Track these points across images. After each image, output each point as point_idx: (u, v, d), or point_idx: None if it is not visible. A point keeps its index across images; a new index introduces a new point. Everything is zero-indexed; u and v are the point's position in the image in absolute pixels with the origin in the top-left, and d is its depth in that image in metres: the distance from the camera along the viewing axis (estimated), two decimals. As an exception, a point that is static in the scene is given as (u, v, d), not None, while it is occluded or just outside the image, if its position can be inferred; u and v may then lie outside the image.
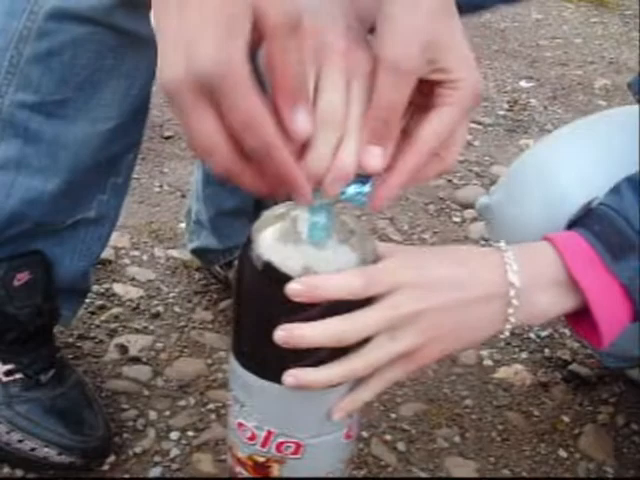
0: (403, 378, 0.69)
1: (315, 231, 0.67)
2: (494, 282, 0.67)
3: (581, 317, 0.71)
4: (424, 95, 0.62)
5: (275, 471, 0.76)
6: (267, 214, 0.71)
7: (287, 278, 0.64)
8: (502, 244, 0.69)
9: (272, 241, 0.68)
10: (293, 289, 0.62)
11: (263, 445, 0.75)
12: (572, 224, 0.73)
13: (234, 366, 0.74)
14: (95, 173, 0.95)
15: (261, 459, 0.76)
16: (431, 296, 0.66)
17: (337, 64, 0.59)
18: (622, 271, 0.67)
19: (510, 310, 0.67)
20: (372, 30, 0.67)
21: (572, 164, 0.91)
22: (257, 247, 0.68)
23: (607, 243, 0.68)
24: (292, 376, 0.66)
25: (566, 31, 3.03)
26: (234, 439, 0.79)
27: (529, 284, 0.68)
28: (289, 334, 0.64)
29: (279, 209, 0.70)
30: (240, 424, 0.76)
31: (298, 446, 0.74)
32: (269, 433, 0.74)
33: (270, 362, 0.69)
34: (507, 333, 0.69)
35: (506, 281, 0.67)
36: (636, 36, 3.07)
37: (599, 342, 0.69)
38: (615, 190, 0.72)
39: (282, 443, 0.74)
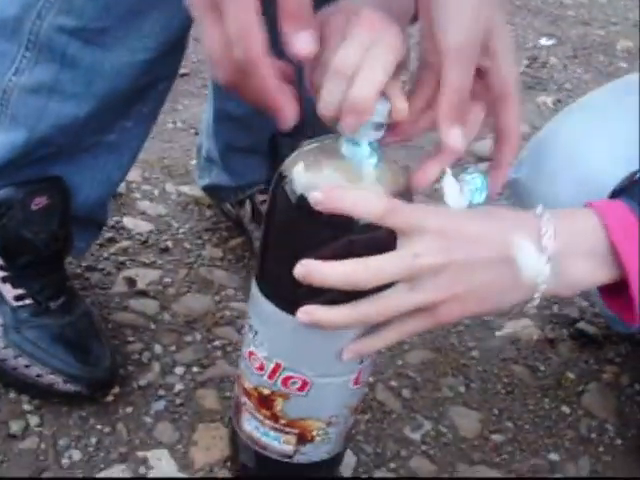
0: (418, 332, 0.67)
1: (359, 168, 0.66)
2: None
3: (614, 290, 0.68)
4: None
5: (279, 405, 0.76)
6: (302, 147, 0.70)
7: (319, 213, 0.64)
8: (539, 208, 0.67)
9: (305, 174, 0.67)
10: (314, 197, 0.62)
11: (270, 377, 0.75)
12: (615, 194, 0.70)
13: (254, 293, 0.74)
14: (124, 100, 0.94)
15: (266, 391, 0.76)
16: (456, 250, 0.63)
17: (364, 28, 0.62)
18: None
19: (541, 277, 0.64)
20: (415, 19, 0.69)
21: (603, 140, 0.89)
22: (291, 180, 0.67)
23: None
24: (306, 312, 0.66)
25: (590, -10, 2.98)
26: (244, 368, 0.79)
27: (564, 251, 0.65)
28: (307, 270, 0.63)
29: (315, 143, 0.69)
30: (251, 353, 0.76)
31: (304, 383, 0.74)
32: (277, 365, 0.74)
33: (288, 294, 0.69)
34: (536, 303, 0.66)
35: (540, 246, 0.64)
36: (661, -1, 3.02)
37: (632, 318, 0.67)
38: None
39: (289, 378, 0.74)
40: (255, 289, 0.74)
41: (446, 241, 0.63)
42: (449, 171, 0.68)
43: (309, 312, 0.66)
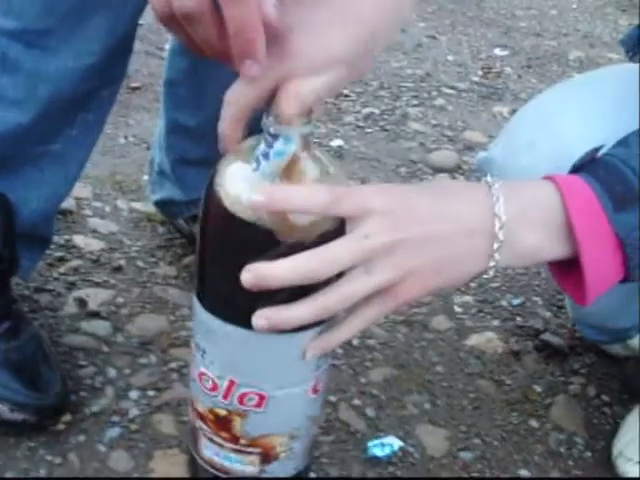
0: (382, 316, 0.65)
1: (293, 164, 0.63)
2: (478, 214, 0.63)
3: (567, 270, 0.67)
4: None
5: (237, 425, 0.73)
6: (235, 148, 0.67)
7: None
8: (488, 177, 0.65)
9: (238, 176, 0.64)
10: (255, 201, 0.59)
11: (225, 396, 0.71)
12: (575, 169, 0.68)
13: (197, 310, 0.71)
14: (68, 107, 0.90)
15: (223, 412, 0.73)
16: (407, 226, 0.61)
17: None
18: (621, 223, 0.63)
19: (495, 245, 0.63)
20: None
21: (578, 116, 0.88)
22: (222, 183, 0.64)
23: (611, 191, 0.64)
24: (262, 317, 0.62)
25: (541, 2, 3.01)
26: (195, 391, 0.75)
27: (517, 218, 0.64)
28: (256, 275, 0.60)
29: (245, 143, 0.66)
30: (201, 373, 0.72)
31: (262, 398, 0.71)
32: (231, 383, 0.70)
33: (236, 305, 0.66)
34: (491, 272, 0.65)
35: (491, 214, 0.63)
36: (610, 11, 3.05)
37: (583, 297, 0.65)
38: (623, 142, 0.68)
39: (245, 394, 0.71)
40: (197, 305, 0.71)
41: (395, 219, 0.61)
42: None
43: (266, 316, 0.62)
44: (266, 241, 0.62)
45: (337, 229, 0.62)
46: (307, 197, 0.60)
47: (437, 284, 0.65)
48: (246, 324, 0.64)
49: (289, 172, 0.63)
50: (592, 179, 0.65)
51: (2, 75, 0.86)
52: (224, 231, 0.65)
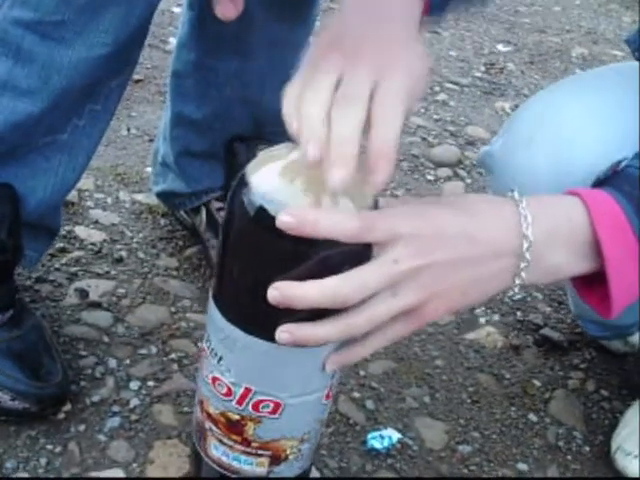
0: (405, 335, 0.65)
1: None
2: (505, 236, 0.63)
3: (590, 282, 0.67)
4: None
5: (249, 430, 0.72)
6: (263, 155, 0.66)
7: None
8: (516, 194, 0.64)
9: (268, 185, 0.63)
10: (284, 222, 0.58)
11: (239, 403, 0.71)
12: (599, 183, 0.68)
13: (215, 318, 0.69)
14: (78, 97, 0.90)
15: (235, 417, 0.72)
16: (434, 250, 0.61)
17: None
18: None
19: (522, 265, 0.63)
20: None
21: (578, 113, 0.87)
22: (250, 190, 0.62)
23: (636, 205, 0.63)
24: (287, 332, 0.62)
25: (545, -2, 3.00)
26: (206, 393, 0.74)
27: (545, 238, 0.63)
28: (283, 294, 0.60)
29: (276, 150, 0.65)
30: (215, 378, 0.71)
31: (277, 405, 0.70)
32: (247, 390, 0.70)
33: (259, 317, 0.65)
34: (517, 289, 0.65)
35: (519, 234, 0.62)
36: (614, 8, 3.04)
37: (607, 311, 0.65)
38: None
39: (260, 402, 0.70)
40: (215, 312, 0.69)
41: (423, 243, 0.61)
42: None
43: (291, 331, 0.62)
44: (294, 255, 0.61)
45: (366, 247, 0.61)
46: (337, 224, 0.59)
47: (462, 304, 0.65)
48: (268, 336, 0.64)
49: (320, 185, 0.61)
50: (617, 193, 0.64)
51: (16, 65, 0.87)
52: (251, 242, 0.63)
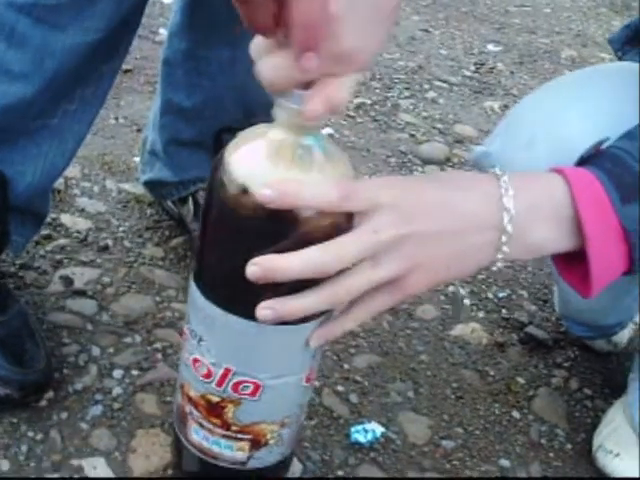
0: (388, 307, 0.65)
1: (305, 155, 0.62)
2: (487, 209, 0.63)
3: (571, 262, 0.67)
4: None
5: (229, 412, 0.72)
6: (243, 134, 0.66)
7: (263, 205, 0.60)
8: (497, 169, 0.65)
9: (247, 163, 0.63)
10: (265, 195, 0.59)
11: (219, 384, 0.71)
12: (581, 162, 0.68)
13: (195, 297, 0.69)
14: (69, 81, 0.90)
15: (215, 399, 0.72)
16: (415, 220, 0.61)
17: None
18: (627, 215, 0.64)
19: (504, 238, 0.63)
20: None
21: (578, 113, 0.87)
22: (231, 169, 0.63)
23: (618, 183, 0.64)
24: (267, 308, 0.62)
25: (535, 0, 3.01)
26: (187, 376, 0.74)
27: (526, 211, 0.63)
28: (265, 268, 0.60)
29: (256, 129, 0.65)
30: (196, 360, 0.71)
31: (257, 387, 0.70)
32: (227, 371, 0.70)
33: (239, 295, 0.65)
34: (499, 264, 0.65)
35: (501, 207, 0.63)
36: (603, 12, 3.06)
37: (587, 290, 0.66)
38: (628, 135, 0.68)
39: (240, 382, 0.70)
40: (196, 292, 0.69)
41: (404, 213, 0.61)
42: None
43: (271, 307, 0.62)
44: (273, 232, 0.61)
45: (345, 219, 0.62)
46: (317, 193, 0.60)
47: (444, 277, 0.65)
48: (248, 315, 0.64)
49: (299, 161, 0.62)
50: (599, 171, 0.65)
51: (9, 49, 0.86)
52: (230, 221, 0.64)
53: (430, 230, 0.62)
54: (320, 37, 0.57)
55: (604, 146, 0.69)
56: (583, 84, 0.95)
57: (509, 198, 0.63)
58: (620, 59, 1.01)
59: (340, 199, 0.60)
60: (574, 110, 0.89)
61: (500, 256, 0.64)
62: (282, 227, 0.61)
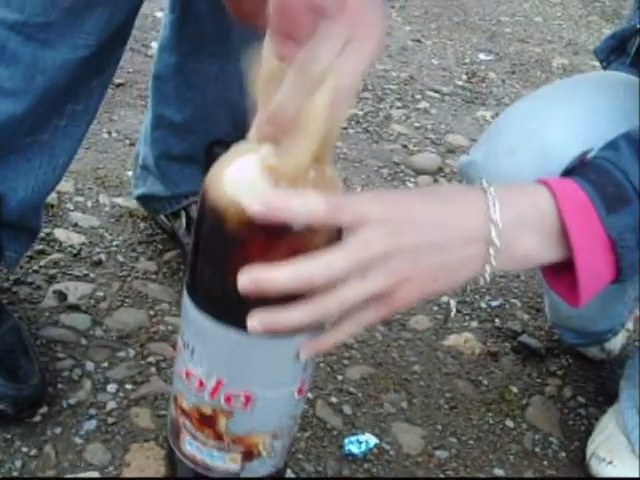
0: (377, 320, 0.65)
1: None
2: (475, 222, 0.63)
3: (559, 272, 0.67)
4: None
5: (222, 424, 0.72)
6: (234, 149, 0.67)
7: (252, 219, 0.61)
8: (484, 182, 0.65)
9: (238, 178, 0.64)
10: (254, 209, 0.59)
11: (211, 395, 0.71)
12: (566, 173, 0.69)
13: (188, 308, 0.70)
14: (59, 97, 0.91)
15: (207, 411, 0.72)
16: (403, 234, 0.62)
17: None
18: (613, 224, 0.64)
19: (491, 251, 0.64)
20: None
21: (560, 121, 0.88)
22: (221, 183, 0.64)
23: (603, 193, 0.64)
24: (257, 319, 0.62)
25: (526, 9, 3.02)
26: (180, 387, 0.74)
27: (513, 224, 0.64)
28: (254, 280, 0.60)
29: (246, 144, 0.66)
30: (188, 371, 0.72)
31: (248, 398, 0.71)
32: (219, 382, 0.70)
33: (229, 306, 0.66)
34: (488, 277, 0.65)
35: (488, 220, 0.63)
36: (594, 20, 3.08)
37: (576, 299, 0.66)
38: (612, 145, 0.69)
39: (232, 394, 0.70)
40: (189, 304, 0.70)
41: (392, 227, 0.61)
42: None
43: (261, 318, 0.62)
44: (263, 245, 0.62)
45: (335, 233, 0.63)
46: (306, 208, 0.60)
47: (433, 290, 0.65)
48: (239, 326, 0.64)
49: (287, 177, 0.63)
50: (584, 182, 0.65)
51: (0, 66, 0.87)
52: (221, 234, 0.65)
53: (418, 244, 0.62)
54: (299, 25, 0.57)
55: (588, 157, 0.69)
56: (567, 92, 0.96)
57: (496, 211, 0.63)
58: (605, 69, 1.02)
59: (328, 213, 0.60)
60: (558, 117, 0.89)
61: (488, 268, 0.65)
62: (272, 240, 0.62)
